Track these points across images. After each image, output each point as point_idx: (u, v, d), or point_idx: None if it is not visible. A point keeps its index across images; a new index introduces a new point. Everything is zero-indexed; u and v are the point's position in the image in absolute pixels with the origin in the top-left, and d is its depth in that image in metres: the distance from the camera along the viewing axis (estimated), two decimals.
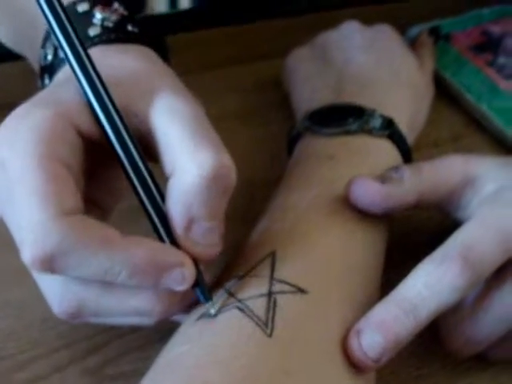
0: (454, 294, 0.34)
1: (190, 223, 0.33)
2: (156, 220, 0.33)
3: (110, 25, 0.39)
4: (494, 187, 0.40)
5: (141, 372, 0.39)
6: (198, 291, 0.34)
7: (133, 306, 0.34)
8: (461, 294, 0.34)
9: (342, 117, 0.47)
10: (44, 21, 0.34)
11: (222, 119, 0.56)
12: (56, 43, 0.34)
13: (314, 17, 0.69)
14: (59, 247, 0.30)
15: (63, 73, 0.38)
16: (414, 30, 0.64)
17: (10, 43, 0.51)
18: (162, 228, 0.33)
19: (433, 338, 0.39)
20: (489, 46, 0.64)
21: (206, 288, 0.34)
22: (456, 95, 0.60)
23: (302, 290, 0.35)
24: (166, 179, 0.34)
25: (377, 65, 0.52)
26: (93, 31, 0.39)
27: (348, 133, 0.46)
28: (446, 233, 0.38)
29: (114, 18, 0.40)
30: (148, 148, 0.34)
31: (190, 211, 0.32)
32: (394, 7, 0.71)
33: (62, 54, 0.35)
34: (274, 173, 0.50)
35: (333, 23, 0.57)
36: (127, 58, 0.37)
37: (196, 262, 0.34)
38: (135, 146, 0.33)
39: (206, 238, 0.33)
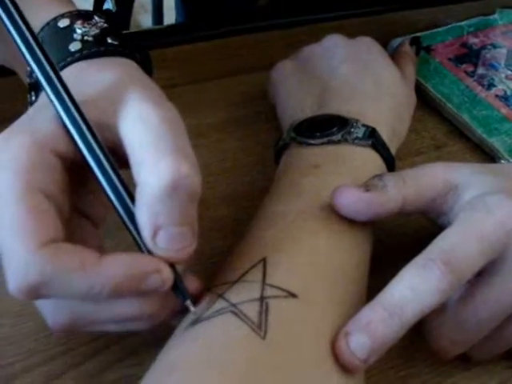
0: (436, 296, 0.36)
1: (155, 231, 0.33)
2: (134, 232, 0.35)
3: (90, 39, 0.41)
4: (474, 193, 0.41)
5: (138, 376, 0.39)
6: (176, 292, 0.35)
7: (123, 315, 0.35)
8: (443, 296, 0.36)
9: (326, 127, 0.48)
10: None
11: (210, 131, 0.58)
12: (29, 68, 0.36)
13: (299, 30, 0.70)
14: (40, 278, 0.32)
15: (43, 95, 0.38)
16: (396, 42, 0.65)
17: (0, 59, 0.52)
18: (138, 237, 0.35)
19: (420, 338, 0.40)
20: (469, 57, 0.66)
21: (185, 288, 0.36)
22: (437, 105, 0.62)
23: (292, 295, 0.36)
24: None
25: (359, 76, 0.53)
26: (73, 46, 0.40)
27: (332, 142, 0.47)
28: (430, 237, 0.40)
29: (93, 31, 0.41)
30: (125, 159, 0.35)
31: (155, 220, 0.33)
32: (375, 20, 0.72)
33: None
34: (262, 183, 0.52)
35: (316, 36, 0.58)
36: (104, 72, 0.38)
37: (173, 265, 0.35)
38: (111, 165, 0.35)
39: (175, 243, 0.34)
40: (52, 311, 0.36)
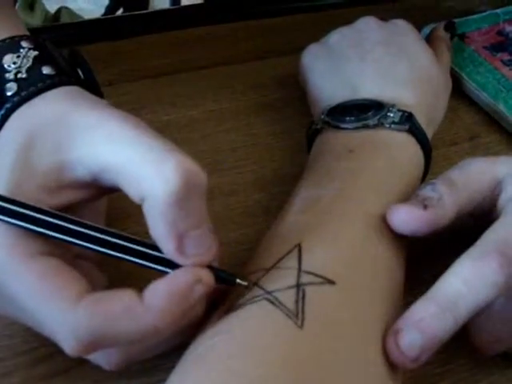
0: (492, 290, 0.34)
1: (180, 240, 0.32)
2: (150, 264, 0.33)
3: (24, 76, 0.38)
4: None
5: (165, 367, 0.38)
6: (222, 282, 0.34)
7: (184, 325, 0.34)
8: (499, 289, 0.34)
9: (361, 112, 0.46)
10: None
11: (239, 115, 0.57)
12: None
13: (330, 13, 0.69)
14: (91, 334, 0.31)
15: None
16: (429, 28, 0.63)
17: None
18: (160, 266, 0.33)
19: (458, 334, 0.39)
20: (505, 45, 0.64)
21: (228, 275, 0.35)
22: (472, 94, 0.60)
23: (330, 281, 0.34)
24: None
25: (394, 60, 0.51)
26: (9, 89, 0.37)
27: (367, 127, 0.45)
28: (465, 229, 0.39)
29: (25, 65, 0.38)
30: (108, 185, 0.34)
31: (175, 229, 0.32)
32: (407, 6, 0.71)
33: None
34: (291, 169, 0.51)
35: (347, 20, 0.57)
36: (47, 112, 0.36)
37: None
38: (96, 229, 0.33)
39: (201, 245, 0.33)
40: (106, 356, 0.35)
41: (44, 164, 0.34)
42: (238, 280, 0.34)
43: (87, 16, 1.13)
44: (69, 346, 0.31)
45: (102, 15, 1.25)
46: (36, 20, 1.03)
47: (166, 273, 0.33)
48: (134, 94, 0.58)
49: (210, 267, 0.33)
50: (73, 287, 0.32)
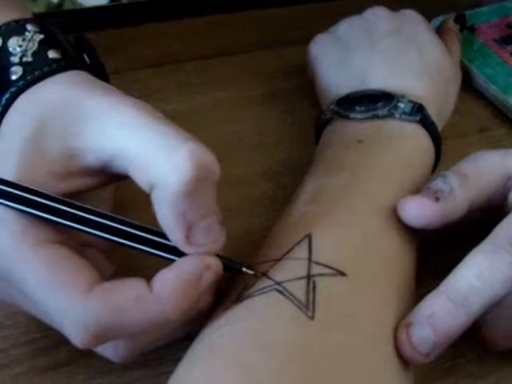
0: (506, 284, 0.33)
1: (188, 230, 0.31)
2: (158, 252, 0.33)
3: (30, 59, 0.37)
4: None
5: (166, 359, 0.38)
6: (229, 270, 0.34)
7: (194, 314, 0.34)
8: None
9: (371, 102, 0.46)
10: None
11: (246, 105, 0.57)
12: None
13: (339, 3, 0.68)
14: (100, 325, 0.30)
15: None
16: (438, 20, 0.62)
17: None
18: (167, 253, 0.33)
19: (468, 328, 0.38)
20: None
21: (235, 263, 0.34)
22: (482, 87, 0.60)
23: (341, 273, 0.34)
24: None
25: (404, 50, 0.51)
26: (14, 73, 0.36)
27: (377, 117, 0.45)
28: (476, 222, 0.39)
29: (31, 48, 0.37)
30: (118, 173, 0.33)
31: (183, 219, 0.31)
32: None
33: None
34: (300, 158, 0.50)
35: (357, 9, 0.56)
36: (61, 96, 0.35)
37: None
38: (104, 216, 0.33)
39: (209, 236, 0.32)
40: (113, 348, 0.34)
41: (54, 150, 0.33)
42: (243, 268, 0.34)
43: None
44: (77, 337, 0.31)
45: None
46: (39, 9, 1.02)
47: (174, 261, 0.32)
48: (139, 82, 0.57)
49: (216, 255, 0.33)
50: (83, 277, 0.31)
